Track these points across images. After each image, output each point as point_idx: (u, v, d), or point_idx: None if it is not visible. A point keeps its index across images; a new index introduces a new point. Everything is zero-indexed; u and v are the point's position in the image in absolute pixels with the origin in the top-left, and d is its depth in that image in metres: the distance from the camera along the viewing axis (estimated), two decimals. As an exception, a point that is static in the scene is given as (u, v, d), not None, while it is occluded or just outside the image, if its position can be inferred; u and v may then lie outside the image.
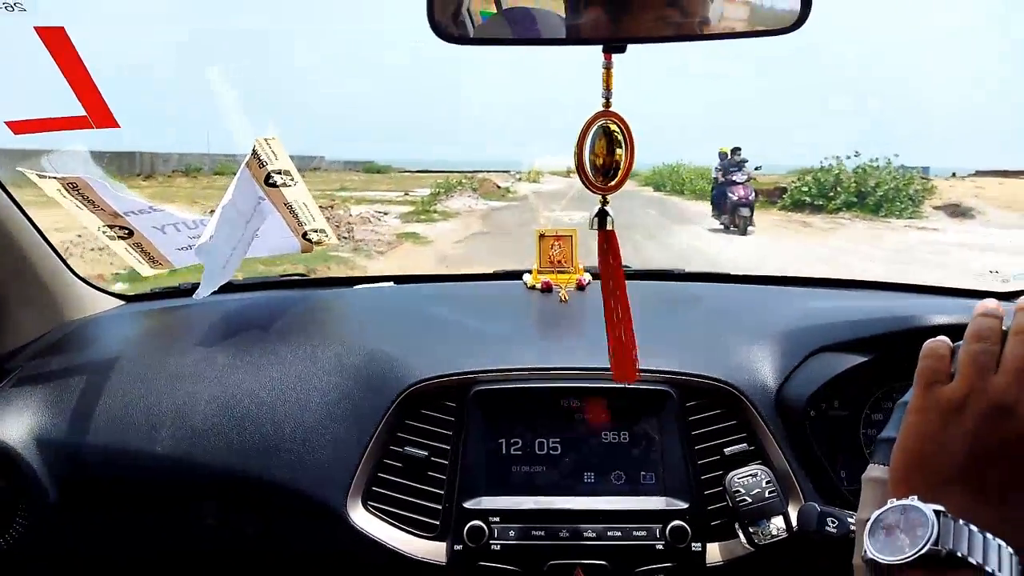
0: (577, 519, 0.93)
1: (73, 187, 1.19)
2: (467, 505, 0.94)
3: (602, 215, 0.75)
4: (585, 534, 0.92)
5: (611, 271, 0.79)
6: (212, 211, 1.17)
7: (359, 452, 0.98)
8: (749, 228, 11.38)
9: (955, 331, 0.59)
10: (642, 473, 0.97)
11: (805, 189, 15.69)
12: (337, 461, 0.97)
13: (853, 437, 1.03)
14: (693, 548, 0.91)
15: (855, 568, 0.55)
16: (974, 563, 0.45)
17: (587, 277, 1.39)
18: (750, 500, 0.90)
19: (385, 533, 0.95)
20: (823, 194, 15.47)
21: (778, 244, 10.65)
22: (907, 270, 8.26)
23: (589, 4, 0.69)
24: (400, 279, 1.51)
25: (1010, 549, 0.46)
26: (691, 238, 10.90)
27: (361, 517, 0.95)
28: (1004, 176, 20.62)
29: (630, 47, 0.70)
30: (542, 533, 0.92)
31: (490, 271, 1.54)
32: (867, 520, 0.52)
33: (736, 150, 12.50)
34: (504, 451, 0.98)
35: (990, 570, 0.45)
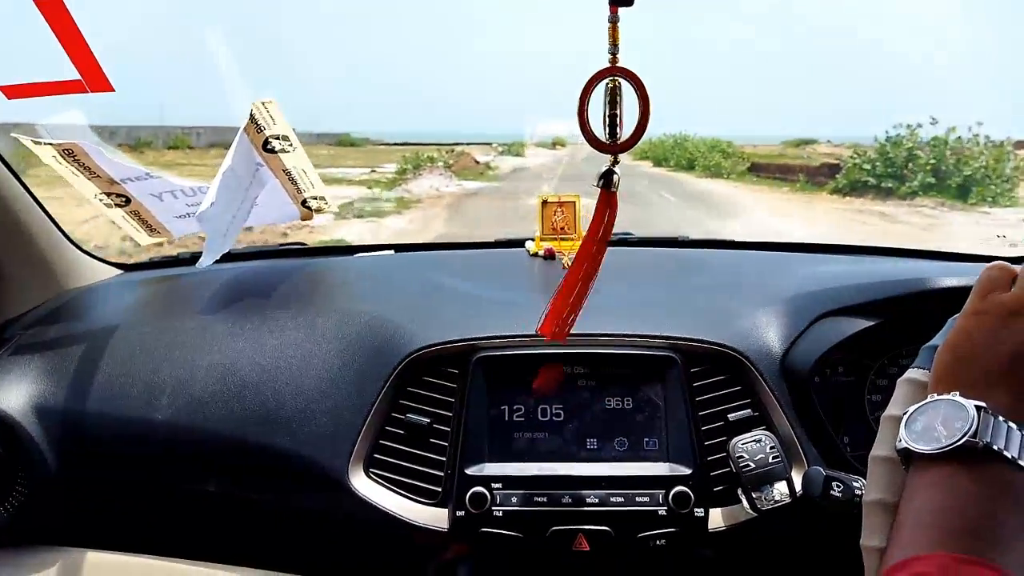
0: (580, 485, 0.93)
1: (69, 153, 1.17)
2: (469, 471, 0.94)
3: (608, 175, 0.73)
4: (588, 500, 0.92)
5: (601, 236, 0.77)
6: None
7: (361, 419, 0.97)
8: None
9: (964, 294, 0.58)
10: (645, 439, 0.97)
11: (868, 167, 12.04)
12: (339, 428, 0.97)
13: (858, 403, 1.02)
14: (696, 514, 0.91)
15: (870, 460, 0.55)
16: (1009, 456, 0.46)
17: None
18: (754, 465, 0.90)
19: (387, 500, 0.95)
20: (893, 174, 11.71)
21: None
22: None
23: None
24: (401, 247, 1.50)
25: None
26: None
27: (363, 484, 0.95)
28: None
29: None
30: (544, 499, 0.92)
31: (492, 239, 1.53)
32: (894, 418, 0.53)
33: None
34: (507, 417, 0.98)
35: None
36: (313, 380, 1.01)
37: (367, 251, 1.48)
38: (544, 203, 1.40)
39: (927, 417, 0.50)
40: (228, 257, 1.31)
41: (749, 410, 0.98)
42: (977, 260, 1.32)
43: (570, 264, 1.29)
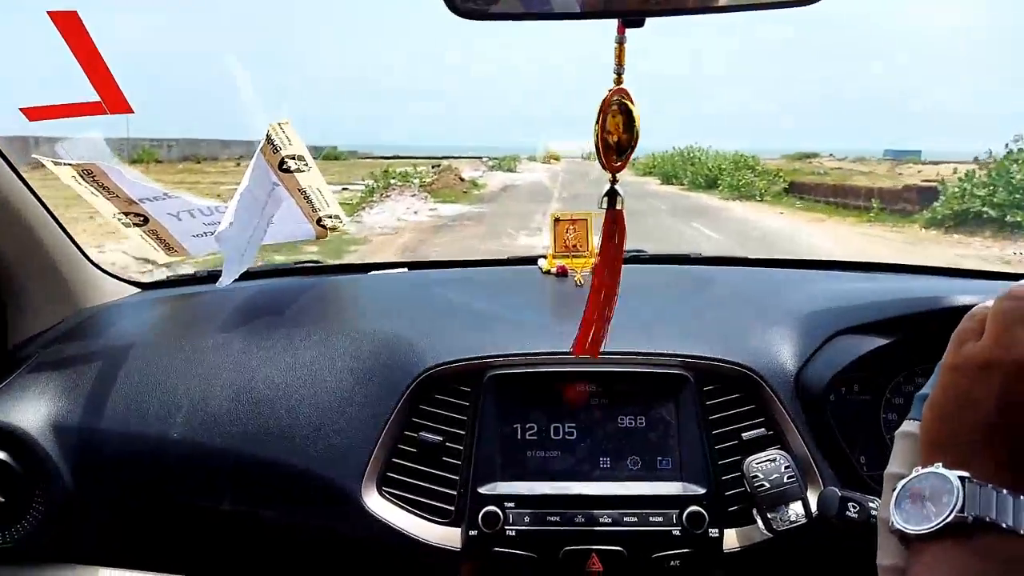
0: (593, 504, 0.92)
1: (88, 173, 1.19)
2: (482, 490, 0.93)
3: (612, 194, 0.74)
4: (601, 519, 0.91)
5: (614, 254, 0.78)
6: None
7: (374, 437, 0.98)
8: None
9: None
10: (659, 458, 0.96)
11: (982, 194, 9.10)
12: (352, 446, 0.97)
13: (874, 422, 1.01)
14: (710, 534, 0.90)
15: (879, 523, 0.54)
16: (1004, 526, 0.44)
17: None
18: (768, 485, 0.89)
19: (399, 519, 0.95)
20: (1018, 202, 8.66)
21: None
22: None
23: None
24: (414, 264, 1.51)
25: None
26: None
27: (375, 502, 0.95)
28: None
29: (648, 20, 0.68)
30: (557, 519, 0.91)
31: (504, 256, 1.53)
32: (895, 476, 0.51)
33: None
34: (519, 436, 0.98)
35: (1023, 532, 0.44)
36: (327, 398, 1.01)
37: (381, 269, 1.49)
38: (556, 221, 1.41)
39: (915, 492, 0.48)
40: (244, 275, 1.32)
41: (763, 429, 0.97)
42: (991, 277, 1.31)
43: (583, 282, 1.30)
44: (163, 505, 1.02)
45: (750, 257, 1.52)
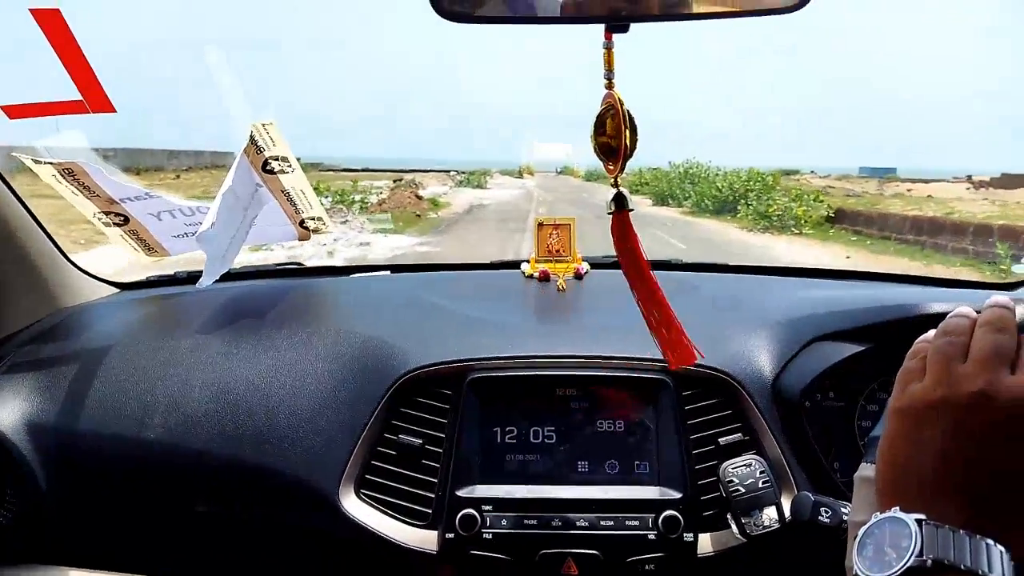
0: (570, 508, 0.93)
1: (68, 172, 1.18)
2: (460, 493, 0.94)
3: (619, 198, 0.75)
4: (577, 523, 0.92)
5: (633, 257, 0.77)
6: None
7: (353, 439, 0.97)
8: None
9: None
10: (636, 462, 0.97)
11: None
12: (330, 449, 0.97)
13: (848, 428, 1.03)
14: (685, 538, 0.91)
15: (847, 570, 0.54)
16: (963, 567, 0.44)
17: (585, 266, 1.39)
18: (743, 490, 0.90)
19: (377, 521, 0.95)
20: None
21: None
22: None
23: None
24: (396, 268, 1.51)
25: (1000, 547, 0.45)
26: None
27: (353, 505, 0.95)
28: None
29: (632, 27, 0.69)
30: (534, 522, 0.92)
31: (487, 261, 1.53)
32: (859, 524, 0.51)
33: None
34: (499, 439, 0.98)
35: (982, 572, 0.44)
36: (306, 400, 1.01)
37: (363, 271, 1.49)
38: (540, 225, 1.41)
39: (875, 539, 0.48)
40: (225, 276, 1.32)
41: (740, 434, 0.98)
42: (966, 286, 1.33)
43: (565, 287, 1.31)
44: (139, 506, 1.01)
45: (730, 264, 1.53)
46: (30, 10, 1.02)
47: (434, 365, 1.01)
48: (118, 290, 1.39)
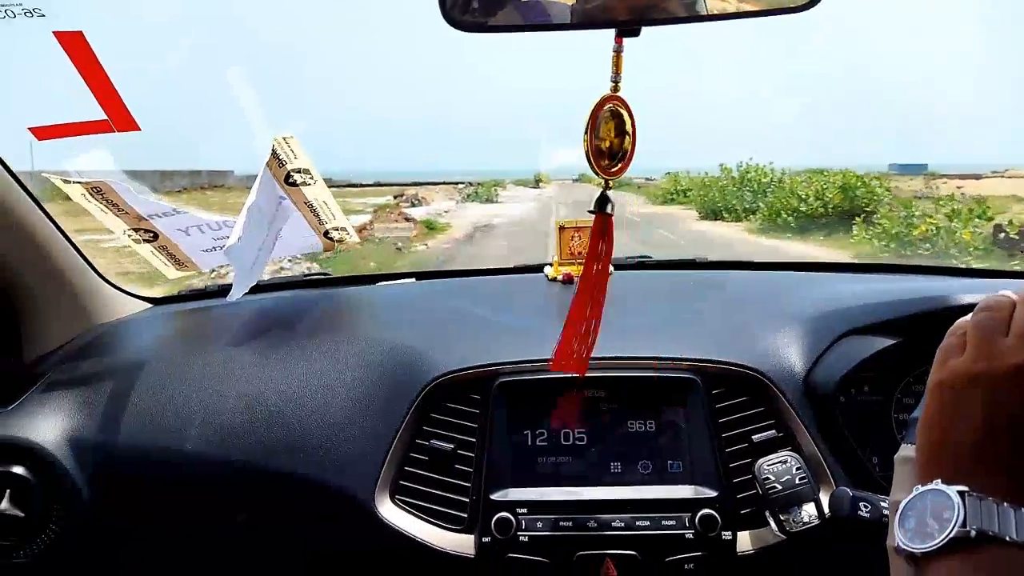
0: (605, 509, 0.93)
1: (97, 191, 1.21)
2: (494, 497, 0.94)
3: (603, 199, 0.75)
4: (613, 524, 0.92)
5: (601, 258, 0.79)
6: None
7: (385, 446, 0.98)
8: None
9: None
10: (669, 462, 0.97)
11: None
12: (364, 456, 0.98)
13: (885, 422, 1.01)
14: (723, 537, 0.90)
15: (888, 550, 0.54)
16: (1007, 539, 0.44)
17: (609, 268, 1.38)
18: (780, 487, 0.89)
19: (413, 526, 0.95)
20: None
21: None
22: None
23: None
24: (421, 275, 1.52)
25: None
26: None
27: (389, 511, 0.96)
28: None
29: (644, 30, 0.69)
30: (570, 524, 0.92)
31: (510, 265, 1.54)
32: (898, 503, 0.51)
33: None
34: (530, 442, 0.98)
35: None
36: (338, 408, 1.02)
37: (388, 279, 1.50)
38: (561, 228, 1.41)
39: (917, 511, 0.49)
40: (254, 288, 1.33)
41: (774, 431, 0.97)
42: (996, 276, 1.31)
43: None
44: (178, 518, 1.02)
45: (755, 261, 1.52)
46: (53, 32, 1.04)
47: (462, 370, 1.01)
48: (150, 305, 1.41)
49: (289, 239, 1.39)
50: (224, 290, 1.28)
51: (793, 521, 0.88)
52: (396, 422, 0.99)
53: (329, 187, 1.33)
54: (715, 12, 0.70)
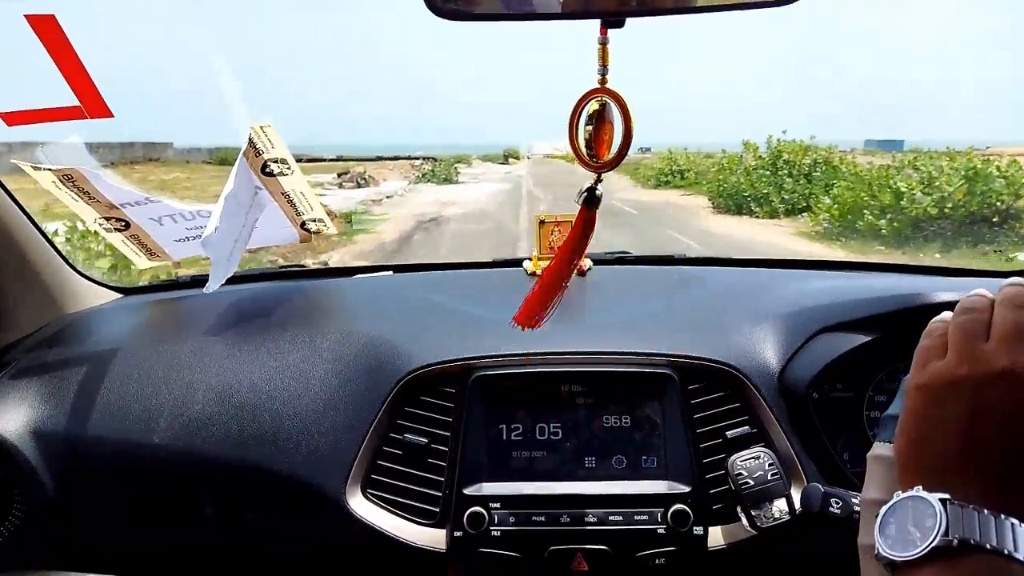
0: (578, 504, 0.92)
1: (68, 178, 1.18)
2: (467, 491, 0.93)
3: (591, 193, 0.74)
4: (586, 519, 0.91)
5: (577, 249, 0.78)
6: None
7: (358, 440, 0.97)
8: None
9: None
10: (643, 457, 0.97)
11: None
12: (336, 449, 0.97)
13: (856, 419, 1.02)
14: (695, 532, 0.91)
15: (859, 547, 0.54)
16: (989, 547, 0.44)
17: (588, 263, 1.39)
18: (752, 483, 0.90)
19: (384, 520, 0.94)
20: None
21: None
22: None
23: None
24: (399, 268, 1.51)
25: None
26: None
27: (360, 505, 0.95)
28: None
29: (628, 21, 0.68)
30: (543, 519, 0.91)
31: (489, 259, 1.53)
32: (873, 502, 0.51)
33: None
34: (504, 437, 0.98)
35: (1007, 552, 0.43)
36: (311, 401, 1.01)
37: (366, 272, 1.49)
38: (541, 223, 1.41)
39: (898, 518, 0.48)
40: (229, 279, 1.32)
41: (748, 427, 0.98)
42: (971, 275, 1.32)
43: (569, 285, 1.30)
44: (145, 510, 1.01)
45: (734, 257, 1.53)
46: (25, 16, 1.02)
47: (438, 364, 1.01)
48: (120, 295, 1.39)
49: (265, 230, 1.37)
50: (196, 281, 1.26)
51: (764, 516, 0.89)
52: (370, 415, 0.98)
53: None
54: (698, 4, 0.70)
